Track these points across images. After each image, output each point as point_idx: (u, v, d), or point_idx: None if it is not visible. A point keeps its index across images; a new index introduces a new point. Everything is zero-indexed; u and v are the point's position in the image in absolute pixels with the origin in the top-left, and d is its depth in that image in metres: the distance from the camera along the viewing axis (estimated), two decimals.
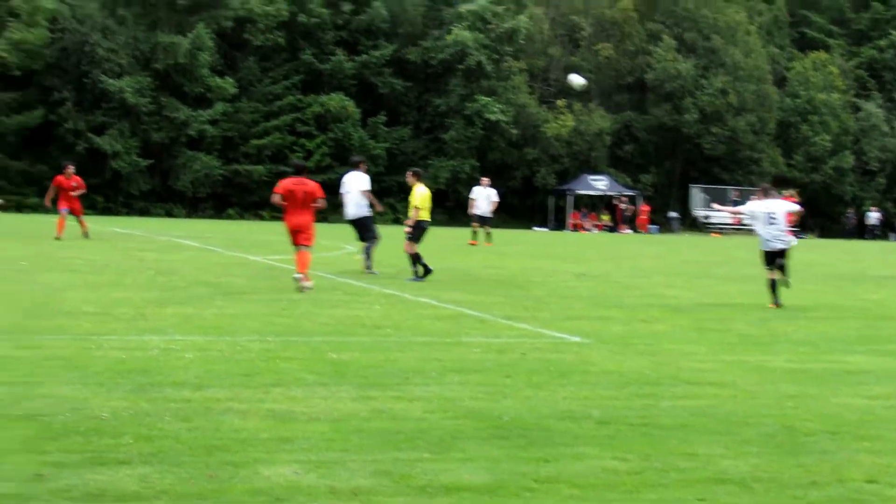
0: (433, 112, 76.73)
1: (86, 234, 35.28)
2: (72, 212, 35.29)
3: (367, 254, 25.58)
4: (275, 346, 13.25)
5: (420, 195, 24.66)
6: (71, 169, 36.05)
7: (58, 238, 33.32)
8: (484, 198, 43.42)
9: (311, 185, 21.46)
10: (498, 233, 48.58)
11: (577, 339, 14.98)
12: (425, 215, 24.72)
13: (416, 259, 24.15)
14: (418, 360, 12.52)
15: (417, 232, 24.46)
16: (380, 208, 27.51)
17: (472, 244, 41.62)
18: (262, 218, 70.52)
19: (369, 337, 14.50)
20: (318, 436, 8.70)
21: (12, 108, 68.72)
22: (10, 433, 8.33)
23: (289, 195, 21.14)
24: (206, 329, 14.57)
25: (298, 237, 21.04)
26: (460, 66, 74.94)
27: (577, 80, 37.44)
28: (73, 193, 35.33)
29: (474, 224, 43.20)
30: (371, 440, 8.61)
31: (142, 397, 9.86)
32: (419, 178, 25.24)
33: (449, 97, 75.59)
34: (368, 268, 25.18)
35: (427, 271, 23.99)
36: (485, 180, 45.47)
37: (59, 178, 35.64)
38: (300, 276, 20.41)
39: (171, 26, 72.02)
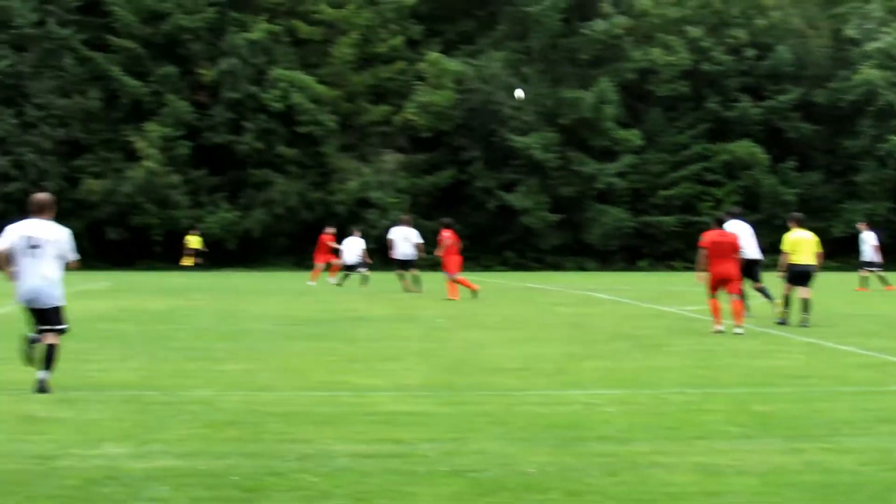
0: (844, 154, 74.51)
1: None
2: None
3: (766, 295, 26.05)
4: (696, 398, 13.07)
5: (791, 240, 24.61)
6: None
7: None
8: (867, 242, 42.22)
9: (731, 235, 23.04)
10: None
11: None
12: (797, 259, 24.43)
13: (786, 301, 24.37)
14: (846, 411, 12.07)
15: (789, 275, 24.50)
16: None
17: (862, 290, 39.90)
18: (673, 269, 70.10)
19: (793, 387, 14.10)
20: (748, 490, 8.49)
21: (423, 170, 71.15)
22: (439, 489, 8.47)
23: (714, 247, 22.21)
24: (626, 382, 14.52)
25: (728, 286, 22.18)
26: (870, 107, 72.60)
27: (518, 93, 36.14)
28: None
29: (863, 270, 41.80)
30: (804, 494, 8.33)
31: (567, 452, 9.88)
32: (798, 223, 25.07)
33: (860, 138, 73.31)
34: (779, 315, 24.72)
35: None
36: (862, 225, 44.34)
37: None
38: (740, 328, 21.64)
39: (575, 81, 72.95)
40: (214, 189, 68.65)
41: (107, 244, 67.23)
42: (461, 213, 70.03)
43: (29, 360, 13.51)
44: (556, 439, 10.45)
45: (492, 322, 24.81)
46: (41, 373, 13.33)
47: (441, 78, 69.20)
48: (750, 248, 25.81)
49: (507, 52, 72.50)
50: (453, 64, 70.33)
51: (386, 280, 44.32)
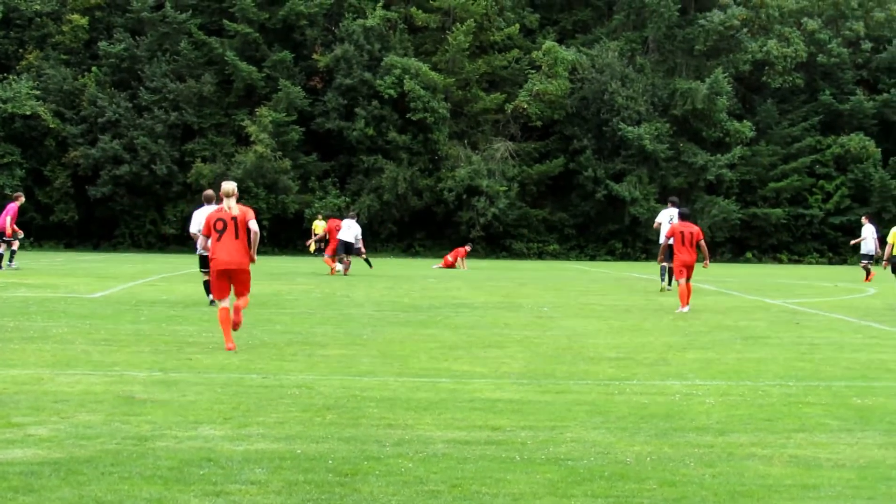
0: None
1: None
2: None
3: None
4: (796, 390, 12.93)
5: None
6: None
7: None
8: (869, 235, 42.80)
9: (694, 227, 25.23)
10: None
11: None
12: None
13: None
14: None
15: (892, 267, 25.31)
16: None
17: None
18: (780, 261, 69.48)
19: (894, 381, 13.91)
20: (844, 483, 8.40)
21: (534, 158, 71.14)
22: (536, 477, 8.45)
23: (679, 236, 24.76)
24: (726, 374, 14.39)
25: (688, 272, 24.76)
26: None
27: None
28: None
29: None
30: None
31: (665, 442, 9.82)
32: None
33: None
34: None
35: None
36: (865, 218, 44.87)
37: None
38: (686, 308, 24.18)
39: (689, 72, 72.44)
40: (324, 174, 69.13)
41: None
42: (569, 202, 69.99)
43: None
44: (654, 429, 10.40)
45: (595, 311, 24.72)
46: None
47: (555, 67, 69.12)
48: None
49: (622, 42, 72.36)
50: (568, 53, 70.19)
51: (484, 267, 44.43)
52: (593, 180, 69.52)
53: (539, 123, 70.24)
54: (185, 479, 8.13)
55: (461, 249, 48.22)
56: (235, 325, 16.52)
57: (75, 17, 68.49)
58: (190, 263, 40.13)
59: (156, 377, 13.00)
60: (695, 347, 17.38)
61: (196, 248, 24.31)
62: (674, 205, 32.71)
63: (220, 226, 16.78)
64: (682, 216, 26.07)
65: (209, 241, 17.29)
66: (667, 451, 9.45)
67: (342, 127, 67.95)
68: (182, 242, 67.06)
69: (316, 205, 65.86)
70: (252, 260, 17.03)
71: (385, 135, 67.87)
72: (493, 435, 10.00)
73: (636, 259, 67.86)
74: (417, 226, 68.85)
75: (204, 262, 23.39)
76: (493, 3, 71.18)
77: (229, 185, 17.11)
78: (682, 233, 24.88)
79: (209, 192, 23.91)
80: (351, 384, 12.76)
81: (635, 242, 70.37)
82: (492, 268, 43.43)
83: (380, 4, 69.44)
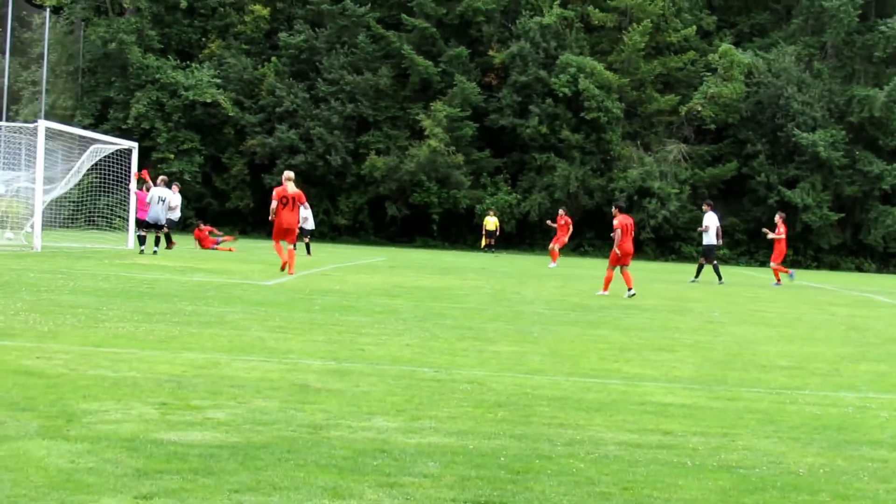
0: None
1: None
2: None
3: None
4: None
5: None
6: None
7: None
8: None
9: (631, 219, 30.23)
10: None
11: None
12: None
13: None
14: None
15: None
16: None
17: None
18: None
19: None
20: None
21: (707, 161, 70.49)
22: (708, 483, 8.41)
23: (626, 228, 28.99)
24: None
25: (627, 260, 29.24)
26: None
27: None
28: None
29: None
30: None
31: (838, 455, 9.69)
32: None
33: None
34: None
35: None
36: None
37: None
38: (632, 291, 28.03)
39: (867, 79, 71.05)
40: (496, 171, 69.36)
41: (386, 220, 68.70)
42: (741, 207, 69.17)
43: None
44: (827, 441, 10.26)
45: (766, 318, 24.44)
46: None
47: (731, 70, 68.39)
48: None
49: (800, 47, 71.23)
50: (744, 56, 69.39)
51: (653, 269, 44.17)
52: (766, 186, 68.66)
53: (713, 126, 69.61)
54: (360, 468, 8.25)
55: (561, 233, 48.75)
56: (291, 265, 29.50)
57: (257, 7, 69.84)
58: (364, 255, 40.58)
59: (329, 366, 13.20)
60: (868, 359, 17.09)
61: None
62: (711, 208, 40.03)
63: (284, 201, 29.49)
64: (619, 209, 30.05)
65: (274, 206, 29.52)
66: (840, 463, 9.33)
67: (516, 124, 68.14)
68: (354, 233, 67.95)
69: (487, 201, 66.15)
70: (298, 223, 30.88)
71: (558, 133, 67.87)
72: (664, 439, 9.97)
73: (806, 267, 66.74)
74: (587, 225, 68.68)
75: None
76: (671, 4, 70.72)
77: (290, 174, 30.74)
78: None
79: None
80: (522, 382, 12.81)
81: (806, 250, 69.28)
82: (660, 270, 43.07)
83: (556, 2, 69.47)
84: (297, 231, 30.89)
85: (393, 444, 9.11)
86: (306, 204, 40.65)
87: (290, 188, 29.70)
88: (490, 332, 18.15)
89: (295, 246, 30.70)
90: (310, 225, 46.10)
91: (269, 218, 30.06)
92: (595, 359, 15.37)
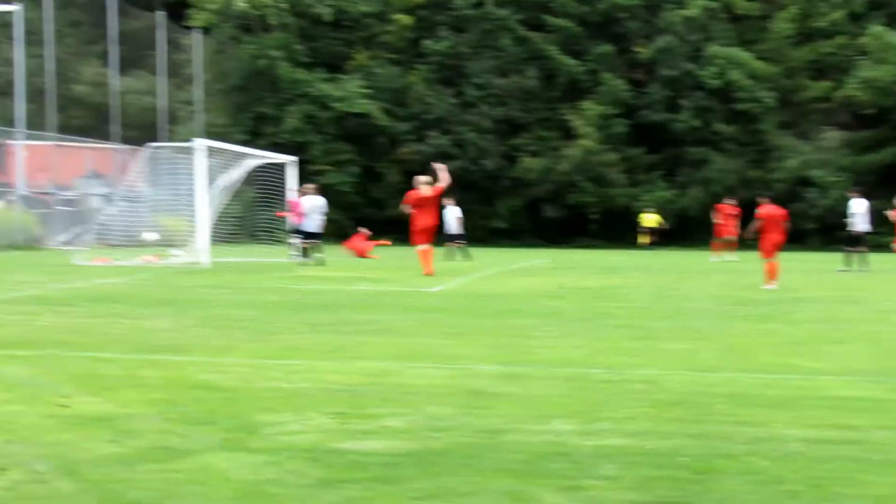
0: None
1: None
2: None
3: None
4: None
5: None
6: None
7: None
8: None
9: None
10: None
11: None
12: None
13: None
14: None
15: None
16: None
17: None
18: None
19: None
20: None
21: (866, 147, 68.92)
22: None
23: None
24: None
25: None
26: None
27: None
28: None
29: None
30: None
31: None
32: None
33: None
34: None
35: None
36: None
37: None
38: None
39: None
40: (651, 167, 68.91)
41: (543, 221, 68.66)
42: None
43: None
44: None
45: None
46: None
47: (885, 52, 66.81)
48: None
49: None
50: None
51: (817, 260, 43.43)
52: None
53: (871, 111, 68.11)
54: (538, 472, 8.20)
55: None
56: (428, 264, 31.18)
57: (400, 16, 70.33)
58: (524, 257, 40.59)
59: (501, 371, 13.17)
60: None
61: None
62: (859, 194, 40.74)
63: (420, 203, 31.33)
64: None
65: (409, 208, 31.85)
66: None
67: (667, 119, 67.59)
68: (513, 237, 67.96)
69: (644, 198, 65.72)
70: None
71: (711, 126, 67.15)
72: (848, 434, 9.72)
73: None
74: (747, 219, 67.64)
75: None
76: None
77: (423, 178, 32.15)
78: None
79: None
80: (695, 379, 12.65)
81: None
82: (826, 261, 42.34)
83: None
84: (434, 232, 31.64)
85: (571, 447, 9.04)
86: (452, 205, 41.21)
87: (425, 191, 31.72)
88: (658, 329, 17.99)
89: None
90: (455, 228, 46.23)
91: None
92: (768, 353, 15.12)
